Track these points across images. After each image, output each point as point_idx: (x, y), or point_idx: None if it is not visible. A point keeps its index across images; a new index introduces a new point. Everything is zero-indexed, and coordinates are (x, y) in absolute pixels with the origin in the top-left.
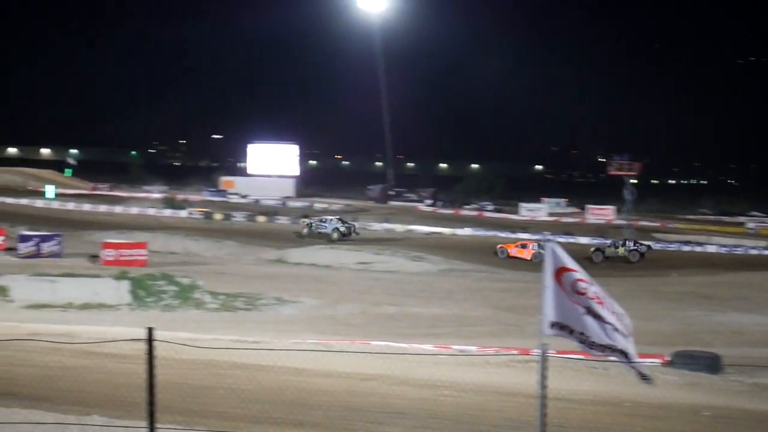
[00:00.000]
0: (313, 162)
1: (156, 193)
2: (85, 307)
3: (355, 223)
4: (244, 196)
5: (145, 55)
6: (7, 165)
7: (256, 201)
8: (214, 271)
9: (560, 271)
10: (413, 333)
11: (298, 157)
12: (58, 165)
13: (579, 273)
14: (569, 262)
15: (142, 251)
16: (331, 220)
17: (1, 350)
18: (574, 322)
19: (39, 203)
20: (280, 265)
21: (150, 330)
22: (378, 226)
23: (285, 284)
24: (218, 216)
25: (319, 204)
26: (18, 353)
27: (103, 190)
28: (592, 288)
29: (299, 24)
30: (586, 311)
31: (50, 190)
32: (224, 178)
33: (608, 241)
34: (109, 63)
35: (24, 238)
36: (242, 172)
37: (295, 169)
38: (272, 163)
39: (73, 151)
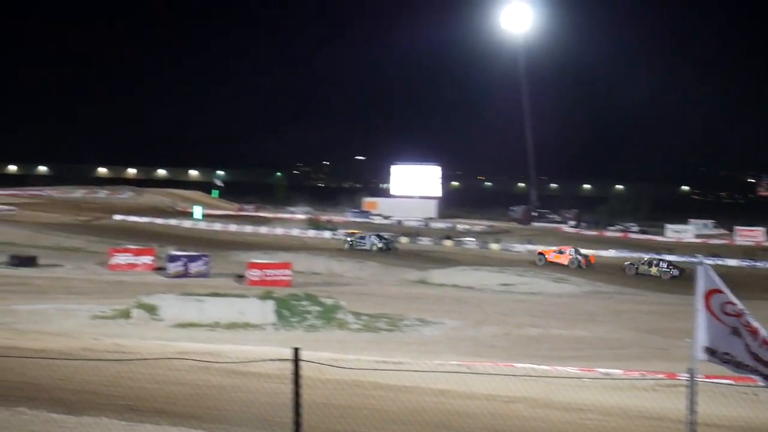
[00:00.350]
0: (455, 183)
1: (300, 214)
2: (232, 326)
3: (392, 239)
4: (386, 217)
5: (290, 78)
6: (156, 186)
7: (399, 222)
8: (357, 291)
9: (710, 294)
10: (556, 355)
11: (440, 178)
12: (205, 186)
13: (728, 294)
14: (719, 284)
15: (287, 271)
16: (370, 236)
17: (151, 368)
18: (723, 344)
19: (187, 224)
20: (422, 286)
21: (296, 350)
22: (521, 248)
23: (427, 305)
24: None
25: (461, 225)
26: (168, 371)
27: (249, 210)
28: (740, 308)
29: (443, 45)
30: (732, 331)
31: (198, 211)
32: (367, 199)
33: (645, 257)
34: (254, 86)
35: (173, 258)
36: (385, 193)
37: (438, 190)
38: (415, 184)
39: (220, 172)
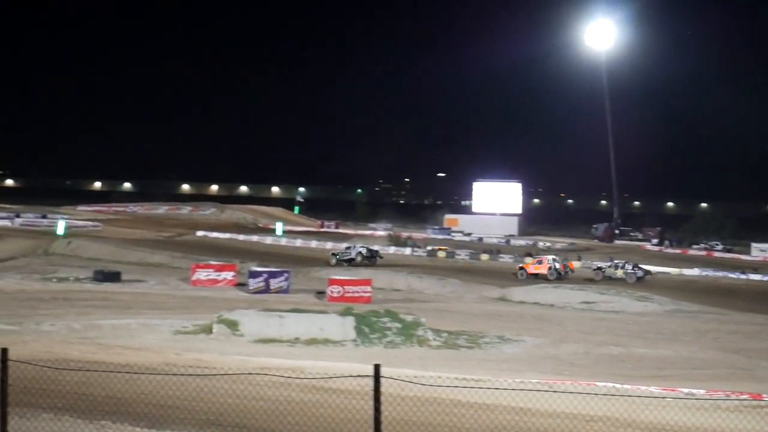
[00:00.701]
0: (536, 200)
1: (381, 230)
2: (312, 342)
3: (378, 249)
4: (467, 234)
5: (370, 94)
6: (239, 203)
7: (480, 239)
8: (437, 308)
9: None
10: (638, 374)
11: (521, 195)
12: (287, 203)
13: None
14: None
15: (367, 288)
16: (355, 247)
17: (232, 384)
18: None
19: (268, 240)
20: (502, 303)
21: (377, 367)
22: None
23: (507, 323)
24: (441, 254)
25: (542, 242)
26: (249, 387)
27: (330, 227)
28: None
29: (526, 61)
30: None
31: (279, 228)
32: (448, 216)
33: (612, 261)
34: (337, 102)
35: (254, 274)
36: (466, 210)
37: (519, 207)
38: (496, 201)
39: (302, 189)
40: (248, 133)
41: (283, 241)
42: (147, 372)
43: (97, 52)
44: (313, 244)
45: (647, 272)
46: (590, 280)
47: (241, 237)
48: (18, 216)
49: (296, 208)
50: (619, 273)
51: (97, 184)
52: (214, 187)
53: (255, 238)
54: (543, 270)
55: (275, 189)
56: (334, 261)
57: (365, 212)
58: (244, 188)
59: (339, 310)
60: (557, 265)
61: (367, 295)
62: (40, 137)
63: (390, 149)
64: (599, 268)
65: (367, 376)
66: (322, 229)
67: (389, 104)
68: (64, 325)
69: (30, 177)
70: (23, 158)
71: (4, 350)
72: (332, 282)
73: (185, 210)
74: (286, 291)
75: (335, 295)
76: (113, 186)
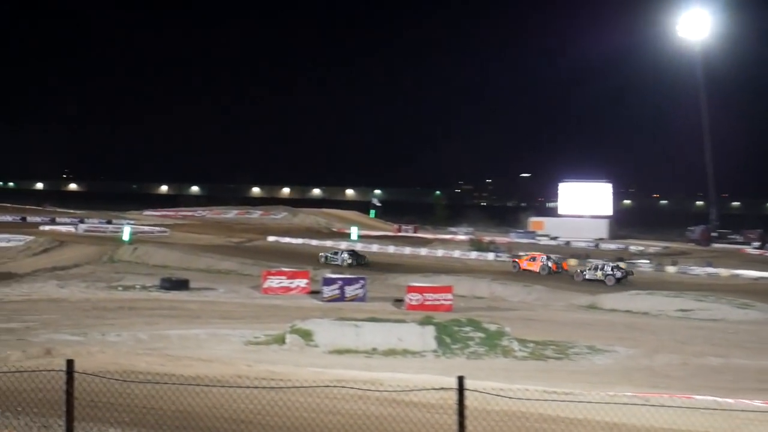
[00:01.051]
0: (627, 201)
1: (461, 234)
2: (390, 353)
3: (365, 255)
4: (554, 238)
5: (450, 92)
6: (311, 206)
7: (567, 243)
8: (523, 317)
9: None
10: (739, 387)
11: (611, 197)
12: (362, 206)
13: None
14: None
15: (448, 296)
16: (343, 252)
17: (307, 396)
18: None
19: (343, 245)
20: (592, 311)
21: (460, 379)
22: (699, 270)
23: (598, 332)
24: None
25: (634, 246)
26: (324, 400)
27: (408, 231)
28: None
29: (614, 56)
30: None
31: (354, 232)
32: (533, 219)
33: (591, 262)
34: (414, 102)
35: (328, 281)
36: (552, 213)
37: (608, 209)
38: (584, 202)
39: (377, 191)
40: (321, 134)
41: (359, 247)
42: (217, 384)
43: (171, 54)
44: (390, 249)
45: (629, 272)
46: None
47: (315, 242)
48: (82, 221)
49: (372, 212)
50: (599, 275)
51: (164, 188)
52: (286, 190)
53: (329, 243)
54: (535, 268)
55: (350, 191)
56: (322, 261)
57: (445, 215)
58: (317, 191)
59: (418, 319)
60: (550, 264)
61: (448, 303)
62: (105, 139)
63: (471, 149)
64: (580, 271)
65: (450, 388)
66: (399, 234)
67: (470, 102)
68: (130, 335)
69: (94, 180)
70: (87, 161)
71: (70, 362)
72: (411, 289)
73: (256, 214)
74: (362, 299)
75: (414, 303)
76: (181, 189)
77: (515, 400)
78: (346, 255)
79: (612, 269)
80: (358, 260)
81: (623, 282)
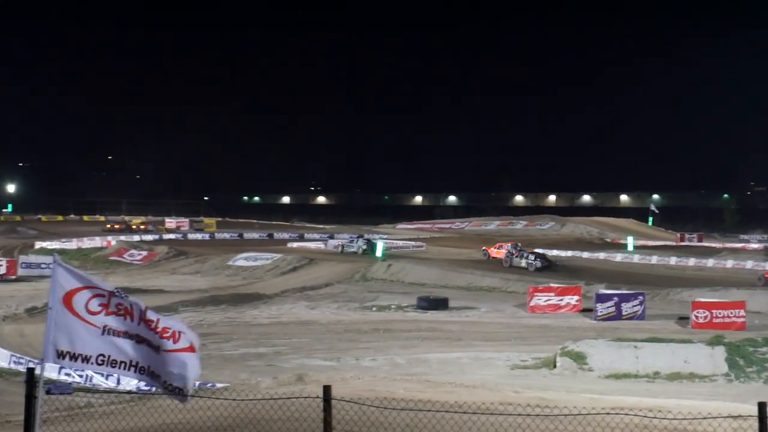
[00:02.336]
0: None
1: (755, 242)
2: (674, 377)
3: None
4: None
5: (738, 81)
6: (581, 215)
7: None
8: None
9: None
10: None
11: None
12: (638, 213)
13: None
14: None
15: (740, 312)
16: (358, 240)
17: (583, 425)
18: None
19: (618, 257)
20: None
21: (762, 405)
22: None
23: None
24: None
25: None
26: (601, 430)
27: (692, 240)
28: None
29: None
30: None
31: (630, 242)
32: None
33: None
34: (698, 93)
35: (602, 298)
36: None
37: None
38: None
39: (655, 196)
40: (590, 135)
41: (636, 258)
42: (482, 412)
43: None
44: (672, 260)
45: (550, 262)
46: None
47: (586, 254)
48: (332, 237)
49: (650, 219)
50: (522, 262)
51: (418, 199)
52: (552, 198)
53: (602, 255)
54: (501, 256)
55: (624, 197)
56: (340, 251)
57: (735, 221)
58: (587, 198)
59: (707, 339)
60: (514, 252)
61: (741, 320)
62: (354, 149)
63: (764, 145)
64: (507, 257)
65: (750, 416)
66: (682, 243)
67: (765, 92)
68: (386, 359)
69: (344, 193)
70: (337, 172)
71: (327, 388)
72: (697, 305)
73: (520, 225)
74: (641, 317)
75: (701, 320)
76: (436, 200)
77: None
78: (361, 242)
79: (535, 258)
80: (373, 248)
81: (547, 271)
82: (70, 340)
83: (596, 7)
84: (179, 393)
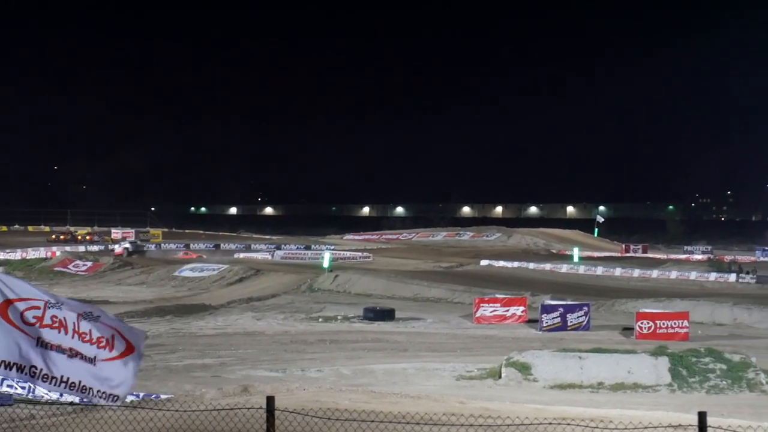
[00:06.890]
0: None
1: (698, 254)
2: (618, 387)
3: None
4: None
5: (681, 94)
6: (528, 226)
7: None
8: None
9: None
10: None
11: None
12: (584, 224)
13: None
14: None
15: (683, 323)
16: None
17: None
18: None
19: (564, 268)
20: None
21: (702, 415)
22: None
23: None
24: None
25: None
26: None
27: (636, 251)
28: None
29: None
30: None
31: (576, 253)
32: None
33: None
34: (637, 105)
35: (547, 309)
36: None
37: None
38: None
39: (601, 208)
40: (537, 147)
41: (582, 269)
42: (427, 422)
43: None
44: (617, 271)
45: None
46: None
47: (532, 265)
48: (279, 248)
49: (596, 231)
50: None
51: (366, 210)
52: (499, 209)
53: (548, 266)
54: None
55: (570, 209)
56: None
57: (679, 232)
58: (533, 209)
59: (650, 350)
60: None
61: (684, 330)
62: (299, 160)
63: (708, 158)
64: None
65: (689, 426)
66: (627, 254)
67: (707, 105)
68: (332, 370)
69: (292, 204)
70: (282, 183)
71: (270, 399)
72: (641, 316)
73: (466, 236)
74: (585, 327)
75: (645, 331)
76: (384, 211)
77: None
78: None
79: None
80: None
81: None
82: (7, 350)
83: (540, 17)
84: (114, 399)
